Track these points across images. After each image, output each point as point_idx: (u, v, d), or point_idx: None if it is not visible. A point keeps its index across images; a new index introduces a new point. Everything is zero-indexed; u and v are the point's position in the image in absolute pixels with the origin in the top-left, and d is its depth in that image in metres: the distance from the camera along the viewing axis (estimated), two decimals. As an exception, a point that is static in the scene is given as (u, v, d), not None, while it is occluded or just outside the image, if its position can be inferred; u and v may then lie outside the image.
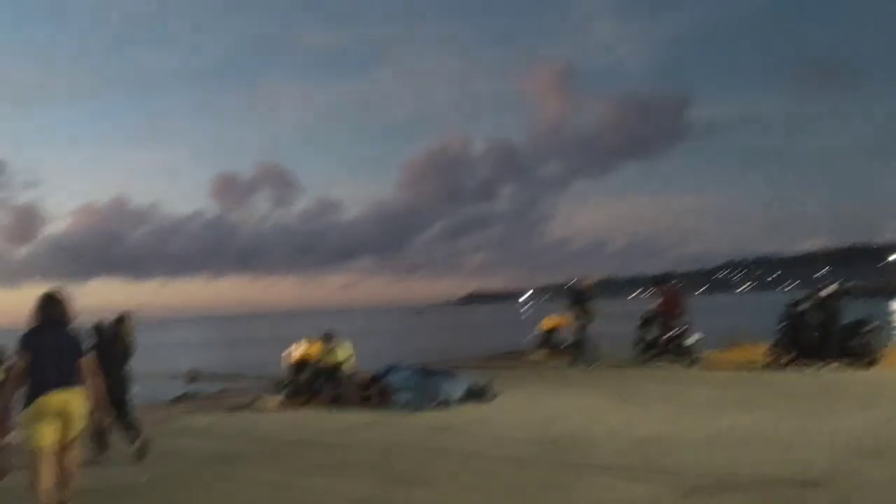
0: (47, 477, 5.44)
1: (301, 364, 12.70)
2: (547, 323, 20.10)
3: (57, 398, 5.48)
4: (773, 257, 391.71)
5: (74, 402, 5.56)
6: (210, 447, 8.78)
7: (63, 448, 5.57)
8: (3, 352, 8.35)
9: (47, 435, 5.43)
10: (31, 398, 5.45)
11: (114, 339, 8.45)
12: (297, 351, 12.77)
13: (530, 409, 10.66)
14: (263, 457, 8.06)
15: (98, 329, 8.40)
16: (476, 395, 11.64)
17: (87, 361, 5.78)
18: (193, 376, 14.68)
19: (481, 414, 10.38)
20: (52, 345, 5.63)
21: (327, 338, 12.27)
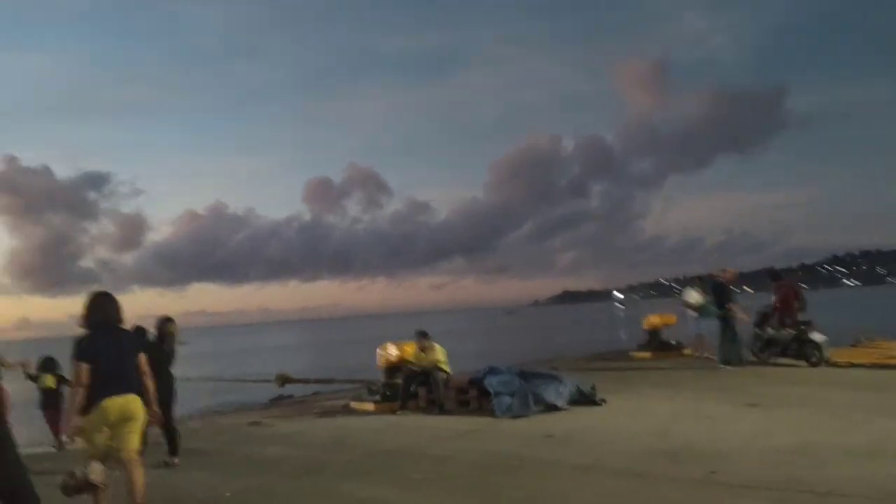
0: (105, 481, 5.40)
1: (395, 366, 12.10)
2: (651, 321, 18.91)
3: (119, 403, 5.39)
4: (881, 250, 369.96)
5: (135, 407, 5.51)
6: (300, 456, 8.23)
7: (124, 453, 5.47)
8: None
9: (105, 443, 5.39)
10: (89, 404, 5.32)
11: (160, 342, 8.35)
12: (390, 353, 12.17)
13: (643, 415, 9.68)
14: (355, 468, 7.42)
15: (142, 331, 8.27)
16: (582, 399, 10.75)
17: (143, 361, 5.76)
18: (284, 380, 14.34)
19: (589, 421, 9.48)
20: (111, 347, 5.51)
21: (422, 338, 11.60)
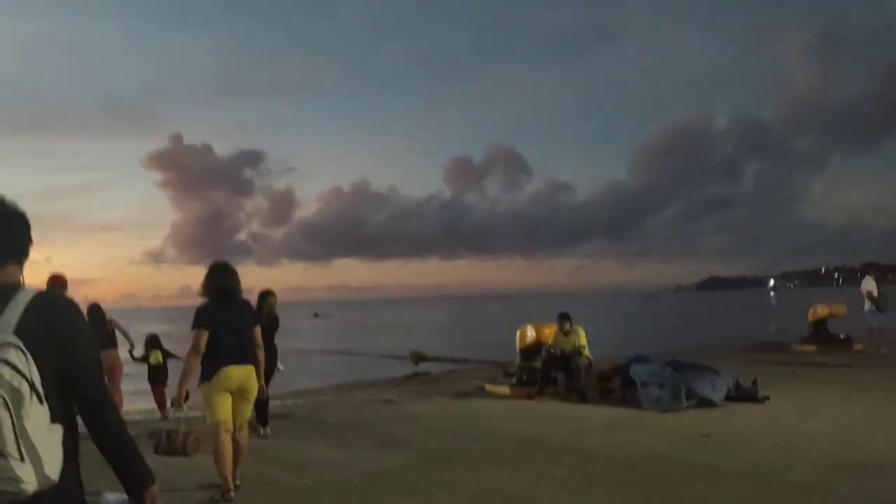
0: (229, 452, 5.45)
1: (533, 349, 11.46)
2: (818, 311, 17.20)
3: (237, 372, 5.44)
4: None
5: (252, 377, 5.56)
6: (430, 442, 7.75)
7: (238, 424, 5.58)
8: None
9: (228, 409, 5.46)
10: (212, 370, 5.38)
11: (261, 314, 8.03)
12: (529, 334, 11.53)
13: (815, 417, 8.53)
14: (488, 459, 6.84)
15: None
16: (741, 395, 9.69)
17: (258, 334, 5.75)
18: (418, 357, 14.04)
19: (751, 420, 8.45)
20: (230, 317, 5.52)
21: (563, 320, 10.86)
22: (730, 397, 9.58)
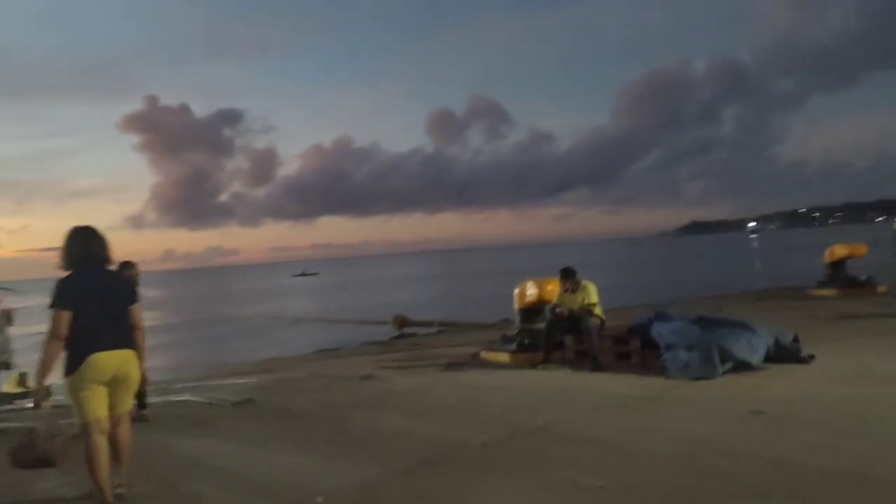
0: (104, 456, 4.42)
1: (535, 309, 9.91)
2: (836, 252, 15.79)
3: (112, 358, 4.43)
4: None
5: (131, 364, 4.57)
6: (421, 431, 6.20)
7: (115, 419, 4.57)
8: None
9: (102, 404, 4.46)
10: (78, 359, 4.35)
11: None
12: (529, 292, 9.94)
13: (876, 378, 7.08)
14: (491, 462, 5.21)
15: (129, 267, 7.24)
16: (781, 355, 8.20)
17: (137, 312, 4.73)
18: (402, 322, 12.44)
19: (805, 387, 6.96)
20: (99, 293, 4.49)
21: (567, 275, 9.27)
22: (769, 358, 8.10)
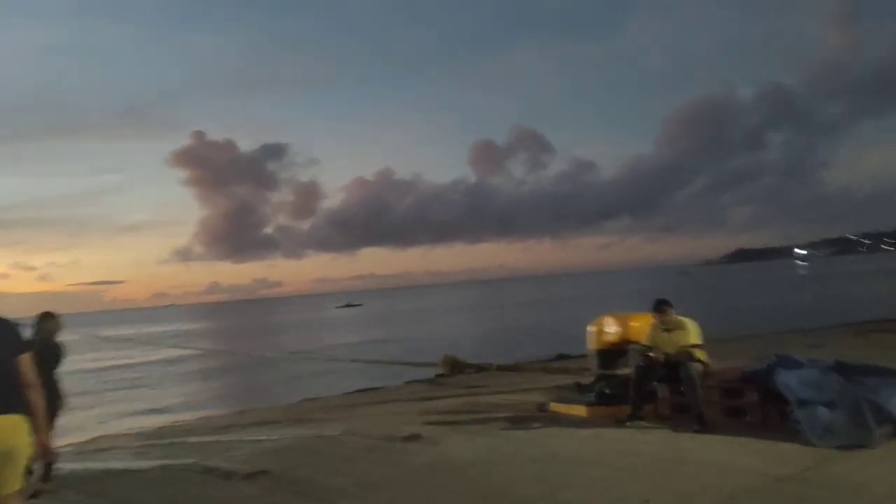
0: None
1: (617, 350, 8.12)
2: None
3: None
4: None
5: (16, 432, 3.57)
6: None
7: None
8: None
9: None
10: None
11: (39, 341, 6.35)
12: (609, 329, 8.14)
13: None
14: None
15: (47, 319, 6.61)
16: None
17: (28, 362, 3.77)
18: (453, 365, 10.66)
19: None
20: None
21: (662, 309, 7.44)
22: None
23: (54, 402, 6.24)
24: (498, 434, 7.42)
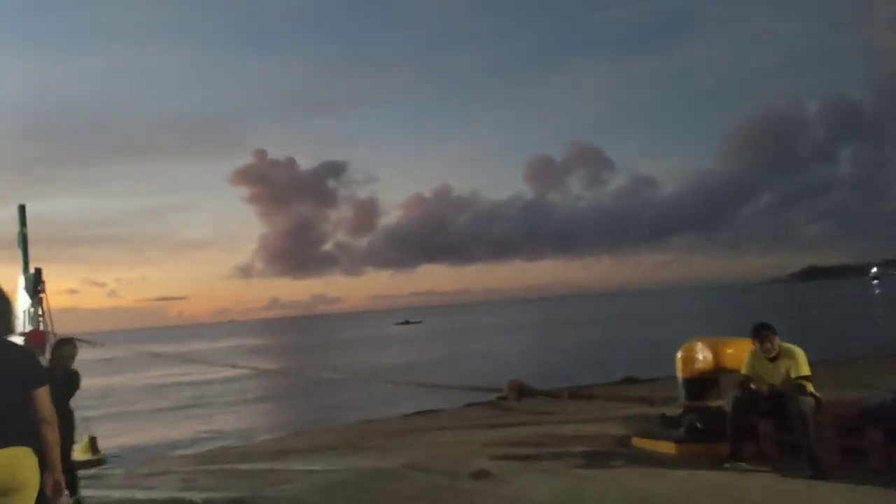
0: None
1: (708, 379, 7.23)
2: None
3: None
4: None
5: (23, 468, 3.24)
6: None
7: None
8: None
9: None
10: None
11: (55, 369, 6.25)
12: (701, 355, 7.26)
13: None
14: None
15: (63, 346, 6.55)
16: None
17: (46, 396, 3.41)
18: (519, 390, 9.88)
19: None
20: None
21: (764, 335, 6.53)
22: None
23: (70, 432, 6.15)
24: (576, 472, 6.60)
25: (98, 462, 12.71)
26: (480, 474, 6.62)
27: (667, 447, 7.05)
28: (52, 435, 3.43)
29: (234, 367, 22.14)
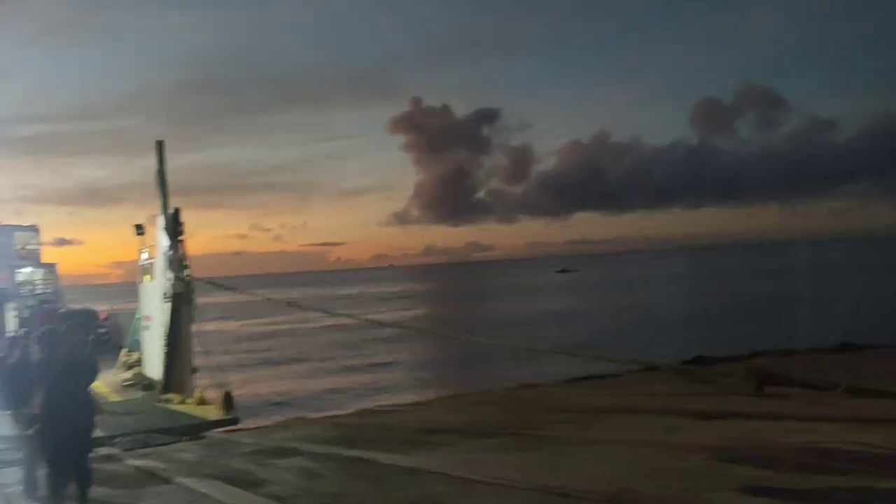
0: None
1: None
2: None
3: None
4: None
5: None
6: None
7: None
8: None
9: None
10: None
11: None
12: None
13: None
14: None
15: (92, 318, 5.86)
16: None
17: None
18: (763, 376, 7.11)
19: None
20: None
21: None
22: None
23: (86, 423, 5.72)
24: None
25: (231, 421, 11.39)
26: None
27: None
28: None
29: (379, 324, 20.60)
